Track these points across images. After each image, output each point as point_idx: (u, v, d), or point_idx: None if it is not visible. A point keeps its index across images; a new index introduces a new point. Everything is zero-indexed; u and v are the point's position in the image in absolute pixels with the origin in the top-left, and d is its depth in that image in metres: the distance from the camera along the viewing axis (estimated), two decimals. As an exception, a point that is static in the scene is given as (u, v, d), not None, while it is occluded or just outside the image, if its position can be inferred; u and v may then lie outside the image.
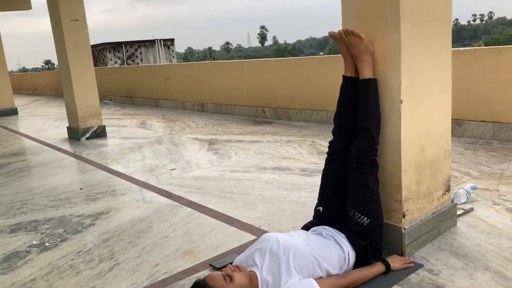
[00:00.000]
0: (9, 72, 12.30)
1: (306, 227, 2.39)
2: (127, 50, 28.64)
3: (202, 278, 1.90)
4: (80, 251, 2.78)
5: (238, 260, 2.15)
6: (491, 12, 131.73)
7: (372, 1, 2.22)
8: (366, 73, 2.25)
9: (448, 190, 2.59)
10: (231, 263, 2.05)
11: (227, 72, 8.60)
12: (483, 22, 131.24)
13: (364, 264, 2.18)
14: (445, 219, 2.54)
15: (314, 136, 5.67)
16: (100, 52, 28.33)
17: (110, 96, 12.98)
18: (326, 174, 2.43)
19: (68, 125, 7.23)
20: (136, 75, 11.97)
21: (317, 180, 2.47)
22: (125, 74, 12.67)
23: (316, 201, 2.45)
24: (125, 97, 12.35)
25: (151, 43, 29.73)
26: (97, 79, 7.18)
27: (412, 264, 2.23)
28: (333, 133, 2.46)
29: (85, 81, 6.81)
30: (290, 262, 1.97)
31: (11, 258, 2.76)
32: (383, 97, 2.25)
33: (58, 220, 3.36)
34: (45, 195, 4.04)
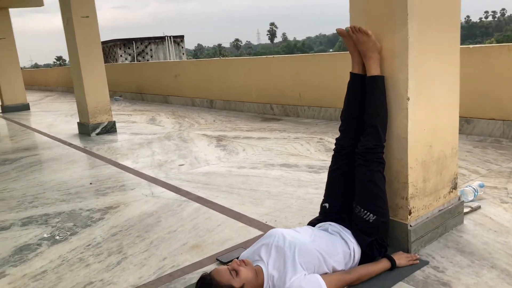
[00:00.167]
0: (21, 68, 12.44)
1: (312, 223, 2.40)
2: (138, 47, 28.77)
3: (208, 272, 1.93)
4: (89, 245, 2.82)
5: (245, 255, 2.17)
6: (503, 9, 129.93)
7: (380, -2, 2.22)
8: (374, 70, 2.25)
9: (455, 187, 2.59)
10: (237, 258, 2.07)
11: (236, 69, 8.62)
12: (495, 19, 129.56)
13: (370, 261, 2.19)
14: (451, 217, 2.54)
15: (322, 133, 5.67)
16: (110, 48, 28.50)
17: (120, 92, 13.08)
18: (333, 171, 2.45)
19: (78, 121, 7.31)
20: (146, 71, 12.05)
21: (324, 177, 2.48)
22: (135, 71, 12.75)
23: (323, 198, 2.46)
24: (135, 93, 12.44)
25: (161, 39, 29.81)
26: (108, 75, 7.24)
27: (418, 261, 2.24)
28: (340, 130, 2.47)
29: (95, 77, 6.88)
30: (296, 257, 1.99)
31: (22, 251, 2.81)
32: (390, 94, 2.25)
33: (68, 214, 3.41)
34: (55, 189, 4.10)
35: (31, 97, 14.50)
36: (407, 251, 2.32)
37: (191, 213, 3.22)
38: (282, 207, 3.18)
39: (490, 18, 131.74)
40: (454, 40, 2.41)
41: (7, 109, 11.23)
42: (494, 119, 4.72)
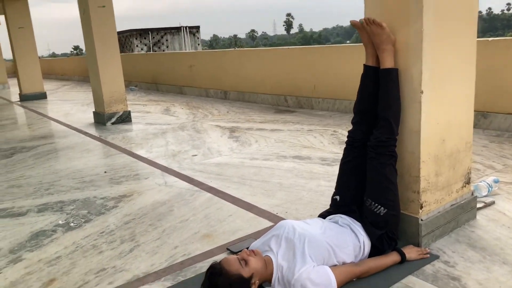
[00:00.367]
0: (39, 58, 12.60)
1: (323, 216, 2.41)
2: (153, 37, 28.87)
3: (218, 261, 1.95)
4: (103, 232, 2.87)
5: (255, 245, 2.19)
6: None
7: (395, -11, 2.19)
8: (387, 63, 2.23)
9: (468, 182, 2.56)
10: (247, 248, 2.09)
11: (250, 60, 8.60)
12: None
13: (379, 254, 2.19)
14: (464, 212, 2.52)
15: (336, 125, 5.65)
16: (126, 38, 28.66)
17: (135, 82, 13.17)
18: (345, 163, 2.44)
19: (94, 110, 7.39)
20: (161, 62, 12.10)
21: (337, 169, 2.48)
22: (151, 61, 12.81)
23: (334, 190, 2.47)
24: (150, 83, 12.51)
25: (177, 30, 29.86)
26: (124, 65, 7.30)
27: (428, 255, 2.23)
28: (352, 123, 2.46)
29: (111, 67, 6.94)
30: (305, 249, 2.00)
31: (38, 236, 2.88)
32: (403, 87, 2.23)
33: (82, 201, 3.47)
34: (71, 177, 4.17)
35: (48, 86, 14.69)
36: (417, 245, 2.31)
37: (203, 203, 3.25)
38: (294, 199, 3.19)
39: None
40: (470, 33, 2.37)
41: (25, 98, 11.40)
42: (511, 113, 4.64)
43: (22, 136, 6.55)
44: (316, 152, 4.39)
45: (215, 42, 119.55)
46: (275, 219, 2.84)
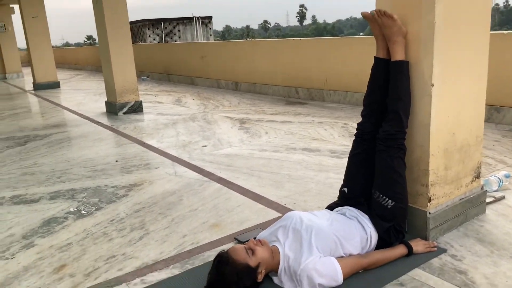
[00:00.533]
0: (53, 47, 12.70)
1: (331, 207, 2.42)
2: (166, 27, 28.91)
3: (225, 250, 1.97)
4: (113, 220, 2.92)
5: (262, 235, 2.21)
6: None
7: (407, -19, 2.17)
8: (398, 55, 2.22)
9: (478, 176, 2.55)
10: (254, 238, 2.11)
11: (262, 51, 8.58)
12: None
13: (387, 246, 2.19)
14: (473, 206, 2.51)
15: (347, 118, 5.63)
16: (139, 28, 28.73)
17: (147, 72, 13.23)
18: (353, 156, 2.44)
19: (106, 100, 7.45)
20: (174, 52, 12.13)
21: (346, 162, 2.48)
22: (163, 51, 12.85)
23: (342, 182, 2.47)
24: (162, 74, 12.56)
25: (189, 20, 29.86)
26: (136, 55, 7.33)
27: (436, 249, 2.23)
28: (362, 115, 2.45)
29: (123, 57, 6.97)
30: (312, 240, 2.01)
31: (50, 223, 2.93)
32: (414, 80, 2.22)
33: (93, 189, 3.52)
34: (82, 165, 4.23)
35: (61, 75, 14.83)
36: (425, 238, 2.31)
37: (212, 193, 3.28)
38: (302, 190, 3.20)
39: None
40: (483, 26, 2.34)
41: (38, 87, 11.53)
42: (525, 108, 4.58)
43: (36, 124, 6.64)
44: (326, 145, 4.39)
45: (227, 33, 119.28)
46: (283, 210, 2.86)
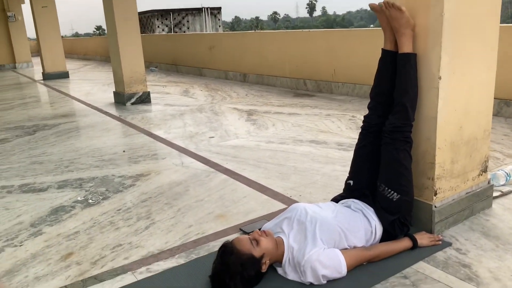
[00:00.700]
0: (62, 37, 12.75)
1: (336, 200, 2.42)
2: (175, 18, 28.85)
3: (230, 240, 1.99)
4: (120, 209, 2.94)
5: (267, 226, 2.22)
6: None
7: (416, -28, 2.15)
8: (406, 47, 2.20)
9: (485, 170, 2.53)
10: (259, 229, 2.12)
11: (270, 43, 8.55)
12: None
13: (391, 239, 2.19)
14: (479, 200, 2.50)
15: (355, 110, 5.61)
16: (148, 19, 28.71)
17: (156, 63, 13.24)
18: (360, 148, 2.44)
19: (114, 90, 7.48)
20: (182, 43, 12.12)
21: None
22: (171, 42, 12.84)
23: (347, 175, 2.47)
24: (170, 64, 12.57)
25: (198, 11, 29.75)
26: (144, 46, 7.34)
27: (440, 242, 2.23)
28: (368, 107, 2.44)
29: (131, 47, 6.99)
30: (316, 232, 2.02)
31: (58, 212, 2.97)
32: (421, 73, 2.20)
33: (101, 179, 3.55)
34: (90, 155, 4.26)
35: (70, 65, 14.91)
36: (430, 231, 2.31)
37: (218, 184, 3.29)
38: (308, 182, 3.20)
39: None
40: (493, 18, 2.32)
41: (48, 76, 11.59)
42: (535, 102, 4.53)
43: (45, 114, 6.69)
44: (333, 137, 4.38)
45: (236, 24, 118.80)
46: (288, 202, 2.86)
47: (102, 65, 15.76)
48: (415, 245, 2.18)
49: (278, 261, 2.03)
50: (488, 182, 2.58)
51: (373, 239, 2.16)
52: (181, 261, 2.24)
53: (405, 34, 2.19)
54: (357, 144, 2.45)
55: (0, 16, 16.42)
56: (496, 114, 4.72)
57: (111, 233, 2.60)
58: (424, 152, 2.28)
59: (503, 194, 2.75)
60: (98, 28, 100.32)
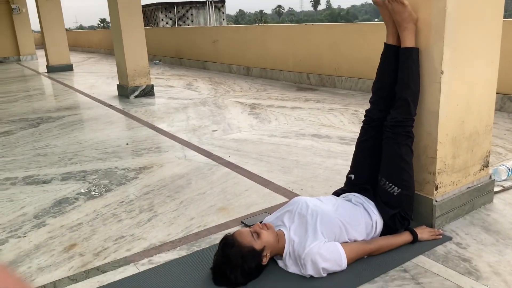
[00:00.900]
0: (66, 30, 12.76)
1: (337, 193, 2.43)
2: (179, 11, 28.78)
3: (231, 233, 2.00)
4: (123, 202, 2.97)
5: (268, 219, 2.23)
6: None
7: (419, -34, 2.14)
8: (408, 42, 2.20)
9: (486, 165, 2.53)
10: (260, 222, 2.13)
11: (274, 36, 8.53)
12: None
13: (392, 233, 2.20)
14: (480, 195, 2.51)
15: (358, 105, 5.60)
16: (152, 12, 28.65)
17: (160, 56, 13.24)
18: (361, 142, 2.44)
19: (118, 83, 7.49)
20: (186, 36, 12.10)
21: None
22: (175, 35, 12.83)
23: (349, 169, 2.48)
24: (174, 58, 12.56)
25: (202, 4, 29.66)
26: (148, 39, 7.34)
27: (441, 237, 2.24)
28: (370, 102, 2.44)
29: (135, 40, 6.99)
30: (317, 225, 2.03)
31: (61, 204, 2.99)
32: (423, 67, 2.20)
33: (104, 172, 3.58)
34: (94, 148, 4.28)
35: (74, 58, 14.92)
36: (431, 226, 2.32)
37: (220, 177, 3.31)
38: (310, 176, 3.22)
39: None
40: (496, 13, 2.31)
41: (52, 69, 11.62)
42: (539, 97, 4.51)
43: (49, 106, 6.72)
44: (336, 131, 4.38)
45: (240, 18, 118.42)
46: (290, 195, 2.88)
47: (106, 58, 15.77)
48: (415, 239, 2.19)
49: (279, 254, 2.04)
50: (490, 177, 2.58)
51: (373, 232, 2.17)
52: (183, 253, 2.26)
53: (408, 28, 2.19)
54: (358, 138, 2.46)
55: (4, 9, 16.44)
56: (499, 109, 4.70)
57: (113, 225, 2.63)
58: (426, 146, 2.28)
59: (505, 189, 2.75)
60: (102, 21, 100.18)
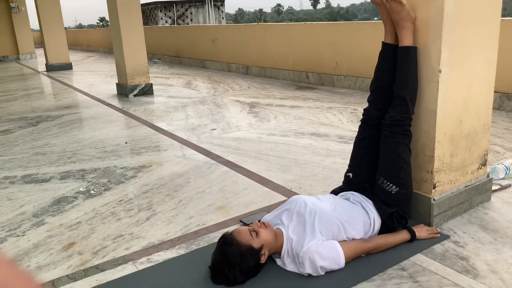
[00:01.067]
0: (65, 29, 12.74)
1: (335, 192, 2.44)
2: (178, 10, 28.75)
3: (230, 232, 2.01)
4: (122, 200, 2.97)
5: (267, 218, 2.24)
6: None
7: (417, -35, 2.14)
8: (406, 41, 2.20)
9: (484, 164, 2.54)
10: (259, 221, 2.14)
11: (273, 35, 8.53)
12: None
13: (390, 232, 2.21)
14: (478, 193, 2.51)
15: (357, 103, 5.61)
16: (151, 11, 28.63)
17: (159, 55, 13.23)
18: (359, 141, 2.45)
19: (117, 82, 7.49)
20: (185, 35, 12.10)
21: (352, 147, 2.49)
22: (174, 34, 12.83)
23: (347, 167, 2.48)
24: (173, 56, 12.56)
25: (201, 3, 29.64)
26: (148, 38, 7.33)
27: (439, 235, 2.24)
28: (368, 101, 2.45)
29: (134, 39, 6.98)
30: (315, 224, 2.03)
31: (60, 202, 3.00)
32: (421, 66, 2.21)
33: (103, 170, 3.58)
34: (93, 146, 4.29)
35: (74, 57, 14.91)
36: (429, 224, 2.32)
37: (219, 176, 3.31)
38: (308, 175, 3.22)
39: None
40: (494, 12, 2.31)
41: (51, 68, 11.61)
42: (538, 96, 4.52)
43: (48, 105, 6.72)
44: (335, 130, 4.39)
45: (240, 16, 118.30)
46: (288, 194, 2.88)
47: (105, 57, 15.76)
48: (413, 238, 2.19)
49: (277, 252, 2.05)
50: (488, 176, 2.59)
51: (371, 231, 2.18)
52: (182, 251, 2.27)
53: (406, 27, 2.19)
54: (356, 137, 2.47)
55: (3, 7, 16.42)
56: (498, 108, 4.71)
57: (112, 224, 2.63)
58: (424, 145, 2.29)
59: (502, 188, 2.76)
60: (102, 19, 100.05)
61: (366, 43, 6.49)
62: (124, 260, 2.23)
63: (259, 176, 3.25)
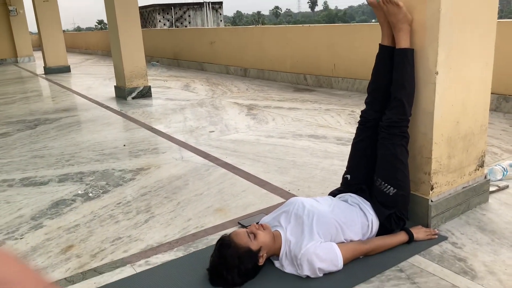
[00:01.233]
0: (64, 31, 12.74)
1: (333, 194, 2.44)
2: (176, 12, 28.80)
3: (228, 234, 2.01)
4: (120, 203, 2.97)
5: (265, 220, 2.24)
6: None
7: (414, -32, 2.15)
8: (403, 43, 2.21)
9: (481, 165, 2.55)
10: (257, 223, 2.14)
11: (271, 38, 8.54)
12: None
13: (388, 233, 2.21)
14: (475, 195, 2.52)
15: (355, 105, 5.62)
16: (149, 13, 28.66)
17: (157, 58, 13.24)
18: (357, 143, 2.46)
19: (115, 84, 7.49)
20: (183, 37, 12.11)
21: (350, 149, 2.50)
22: (173, 37, 12.84)
23: (345, 169, 2.49)
24: (172, 59, 12.56)
25: (199, 5, 29.71)
26: (146, 40, 7.34)
27: (436, 236, 2.25)
28: (366, 102, 2.46)
29: (132, 42, 6.99)
30: (313, 226, 2.04)
31: (58, 205, 3.00)
32: (418, 68, 2.22)
33: (101, 173, 3.58)
34: (91, 149, 4.29)
35: (72, 60, 14.91)
36: (426, 226, 2.33)
37: (217, 178, 3.32)
38: (306, 176, 3.23)
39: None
40: (490, 14, 2.32)
41: (49, 71, 11.61)
42: (535, 97, 4.53)
43: (46, 108, 6.72)
44: (333, 132, 4.39)
45: (238, 19, 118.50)
46: (287, 196, 2.89)
47: (103, 60, 15.76)
48: (411, 239, 2.20)
49: (275, 254, 2.05)
50: (485, 177, 2.59)
51: (369, 233, 2.18)
52: (180, 254, 2.27)
53: (403, 29, 2.20)
54: (354, 139, 2.47)
55: (1, 10, 16.42)
56: (495, 109, 4.72)
57: (110, 226, 2.63)
58: (421, 147, 2.30)
59: (500, 189, 2.76)
60: (100, 22, 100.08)
61: (363, 45, 6.51)
62: (122, 262, 2.22)
63: (257, 178, 3.25)
